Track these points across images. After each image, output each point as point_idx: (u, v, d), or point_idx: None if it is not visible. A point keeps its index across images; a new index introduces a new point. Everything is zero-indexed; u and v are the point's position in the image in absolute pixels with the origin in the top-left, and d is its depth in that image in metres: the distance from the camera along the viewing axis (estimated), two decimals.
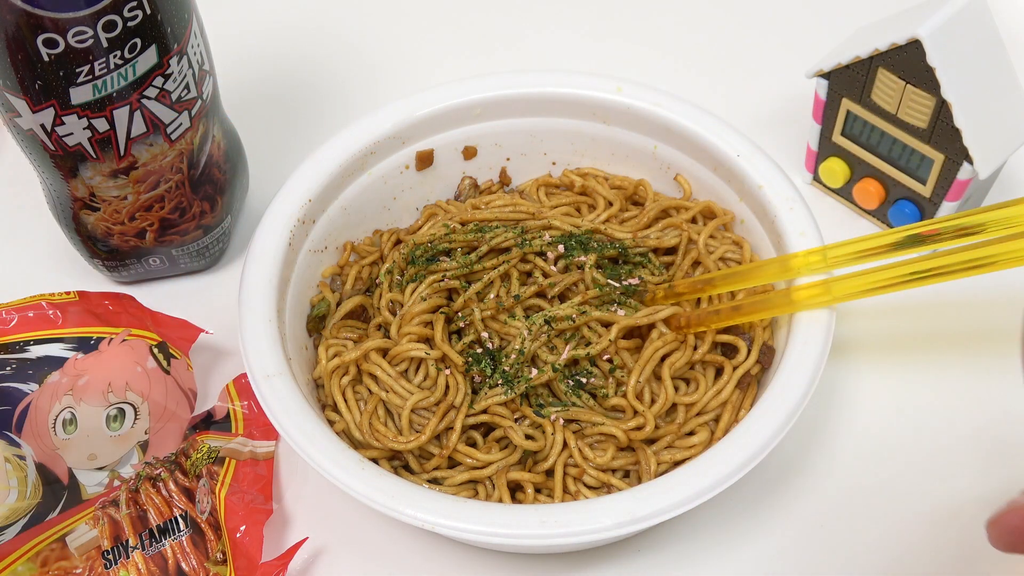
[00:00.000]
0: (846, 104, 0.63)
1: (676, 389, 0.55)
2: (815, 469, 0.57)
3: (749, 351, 0.55)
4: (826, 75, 0.63)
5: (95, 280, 0.66)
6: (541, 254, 0.58)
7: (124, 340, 0.60)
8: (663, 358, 0.54)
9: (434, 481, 0.53)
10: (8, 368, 0.59)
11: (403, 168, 0.63)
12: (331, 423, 0.54)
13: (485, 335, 0.55)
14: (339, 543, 0.55)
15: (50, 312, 0.61)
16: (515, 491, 0.53)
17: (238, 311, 0.54)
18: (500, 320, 0.55)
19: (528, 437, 0.53)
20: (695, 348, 0.54)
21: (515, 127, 0.64)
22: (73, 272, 0.66)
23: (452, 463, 0.54)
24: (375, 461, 0.53)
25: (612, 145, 0.64)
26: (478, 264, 0.57)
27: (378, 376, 0.54)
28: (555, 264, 0.57)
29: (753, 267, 0.55)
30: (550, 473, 0.53)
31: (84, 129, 0.53)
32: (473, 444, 0.54)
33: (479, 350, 0.55)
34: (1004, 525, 0.39)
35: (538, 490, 0.52)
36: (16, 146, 0.56)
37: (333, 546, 0.55)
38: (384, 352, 0.55)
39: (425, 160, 0.63)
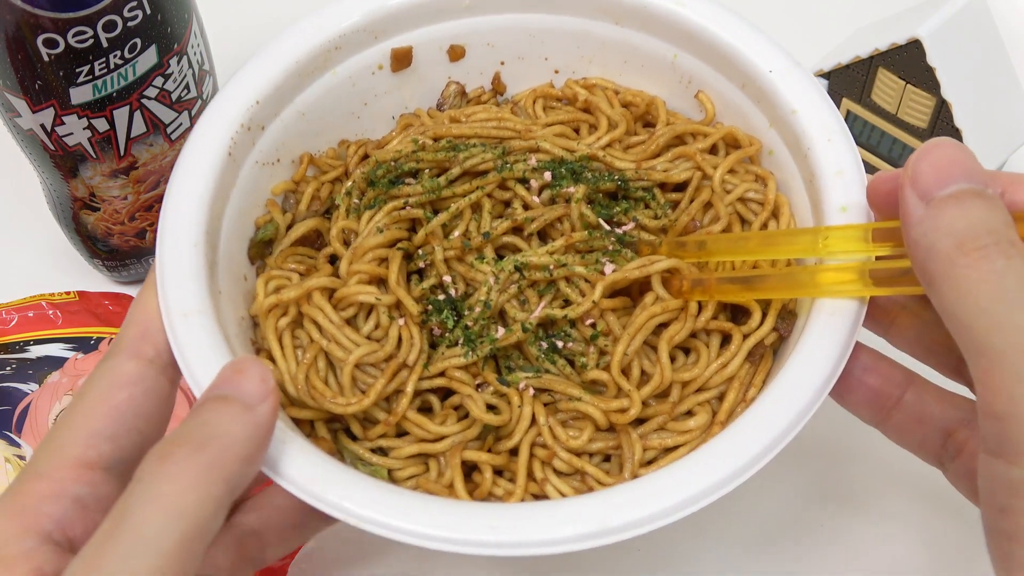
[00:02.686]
0: (846, 104, 0.63)
1: (672, 360, 0.46)
2: (823, 460, 0.56)
3: (764, 316, 0.46)
4: (826, 75, 0.63)
5: (95, 280, 0.66)
6: (523, 181, 0.48)
7: None
8: (660, 327, 0.46)
9: (379, 451, 0.45)
10: (8, 368, 0.59)
11: (375, 68, 0.53)
12: None
13: (448, 279, 0.46)
14: (340, 543, 0.55)
15: (50, 312, 0.61)
16: (473, 470, 0.45)
17: (158, 235, 0.45)
18: (467, 262, 0.47)
19: (491, 407, 0.44)
20: (698, 316, 0.45)
21: (511, 24, 0.54)
22: (73, 272, 0.66)
23: (401, 430, 0.46)
24: (311, 424, 0.45)
25: (625, 51, 0.54)
26: (447, 189, 0.48)
27: (320, 323, 0.46)
28: (539, 194, 0.48)
29: (775, 235, 0.46)
30: (514, 452, 0.44)
31: (84, 129, 0.53)
32: (429, 409, 0.46)
33: (441, 296, 0.46)
34: (876, 190, 0.41)
35: (499, 472, 0.44)
36: (16, 146, 0.56)
37: (334, 545, 0.55)
38: (331, 293, 0.47)
39: (402, 60, 0.53)
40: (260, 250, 0.50)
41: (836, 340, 0.41)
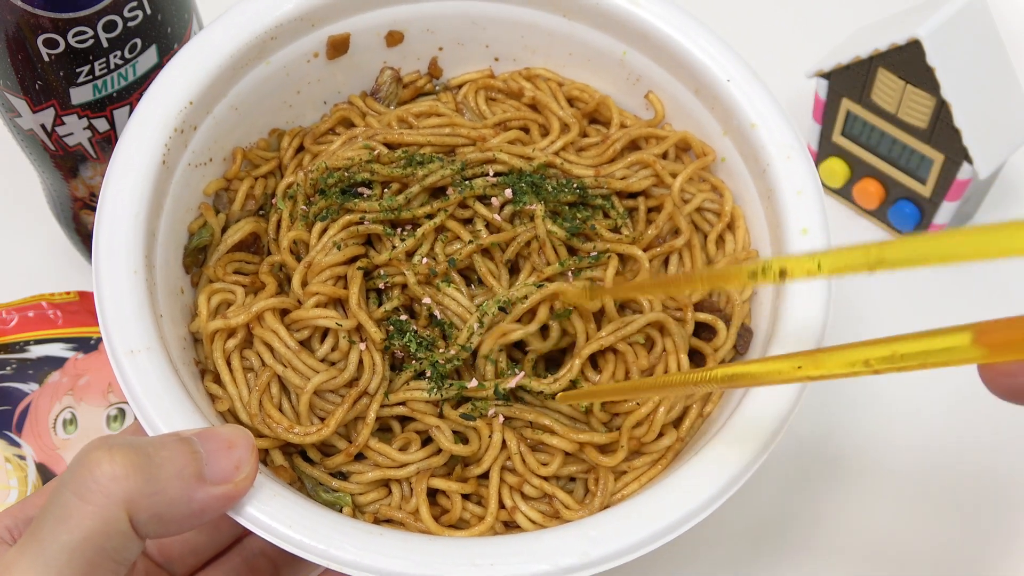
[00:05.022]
0: (846, 104, 0.63)
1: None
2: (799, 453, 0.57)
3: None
4: (826, 75, 0.63)
5: None
6: (484, 198, 0.46)
7: None
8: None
9: (339, 475, 0.44)
10: (8, 368, 0.59)
11: (311, 56, 0.50)
12: (212, 398, 0.44)
13: (427, 301, 0.44)
14: None
15: (50, 312, 0.61)
16: (437, 490, 0.44)
17: (93, 264, 0.42)
18: (434, 284, 0.45)
19: (456, 432, 0.43)
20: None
21: (453, 10, 0.52)
22: (73, 272, 0.66)
23: (360, 454, 0.44)
24: (266, 451, 0.43)
25: (571, 44, 0.52)
26: (407, 211, 0.45)
27: (274, 347, 0.43)
28: (500, 211, 0.46)
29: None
30: (483, 476, 0.44)
31: (84, 129, 0.52)
32: (387, 429, 0.44)
33: (403, 317, 0.44)
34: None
35: (465, 496, 0.43)
36: (16, 146, 0.56)
37: None
38: (283, 312, 0.44)
39: (339, 47, 0.51)
40: (195, 258, 0.48)
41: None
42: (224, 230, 0.48)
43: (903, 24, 0.57)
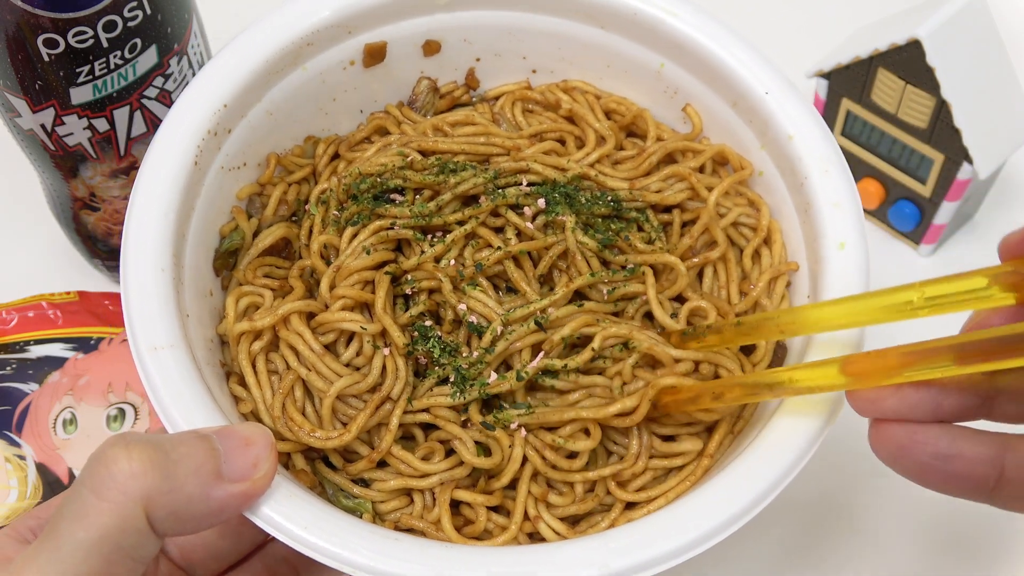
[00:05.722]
0: (846, 104, 0.63)
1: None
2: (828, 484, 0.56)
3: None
4: (826, 75, 0.63)
5: (95, 280, 0.66)
6: (516, 207, 0.46)
7: (124, 340, 0.60)
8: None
9: (361, 482, 0.44)
10: (8, 368, 0.59)
11: (347, 64, 0.51)
12: (236, 399, 0.44)
13: (463, 308, 0.44)
14: None
15: (50, 312, 0.61)
16: (460, 501, 0.43)
17: (121, 259, 0.42)
18: (459, 289, 0.45)
19: (478, 444, 0.43)
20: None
21: (491, 21, 0.52)
22: (73, 272, 0.66)
23: (383, 461, 0.44)
24: (287, 455, 0.43)
25: (608, 56, 0.52)
26: (438, 217, 0.45)
27: (299, 350, 0.43)
28: (532, 221, 0.46)
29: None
30: (508, 487, 0.43)
31: (84, 129, 0.52)
32: (410, 437, 0.44)
33: (427, 322, 0.44)
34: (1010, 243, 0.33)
35: (491, 508, 0.43)
36: (16, 146, 0.56)
37: None
38: (309, 316, 0.44)
39: (376, 55, 0.51)
40: (225, 261, 0.48)
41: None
42: (256, 234, 0.48)
43: (903, 24, 0.57)
